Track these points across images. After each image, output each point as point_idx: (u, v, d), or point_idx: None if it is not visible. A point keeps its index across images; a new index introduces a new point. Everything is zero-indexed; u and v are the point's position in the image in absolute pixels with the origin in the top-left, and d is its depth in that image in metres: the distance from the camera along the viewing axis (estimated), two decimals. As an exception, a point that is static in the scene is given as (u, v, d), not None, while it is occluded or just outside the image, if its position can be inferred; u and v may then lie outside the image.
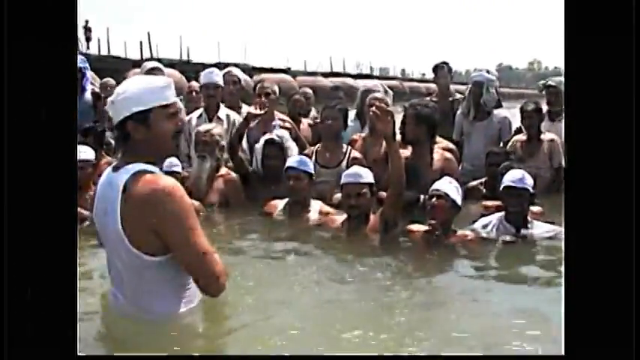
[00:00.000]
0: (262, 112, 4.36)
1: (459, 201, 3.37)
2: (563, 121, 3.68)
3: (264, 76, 19.19)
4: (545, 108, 5.19)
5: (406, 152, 4.30)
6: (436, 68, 6.06)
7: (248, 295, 2.66)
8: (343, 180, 3.58)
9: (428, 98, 6.18)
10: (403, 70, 52.45)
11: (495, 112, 5.30)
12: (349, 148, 4.48)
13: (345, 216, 3.64)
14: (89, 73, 5.48)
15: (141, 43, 27.45)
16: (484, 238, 3.53)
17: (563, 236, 1.89)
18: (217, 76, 4.88)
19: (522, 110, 4.96)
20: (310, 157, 4.27)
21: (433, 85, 7.07)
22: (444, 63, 6.05)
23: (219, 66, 7.36)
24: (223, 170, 4.30)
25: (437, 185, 3.39)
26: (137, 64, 20.23)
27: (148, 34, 28.51)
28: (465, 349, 2.20)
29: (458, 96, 5.92)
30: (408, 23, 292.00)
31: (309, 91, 6.73)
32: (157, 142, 2.00)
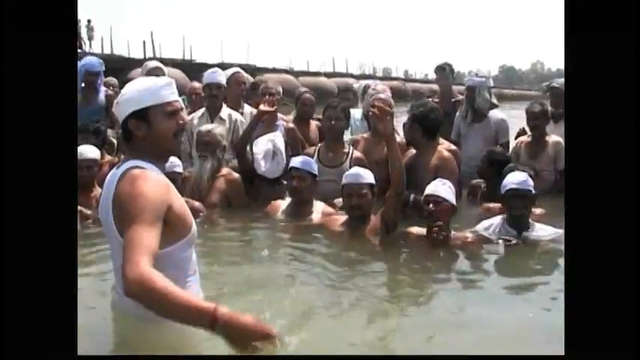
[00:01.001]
0: (273, 109, 4.40)
1: (454, 202, 3.40)
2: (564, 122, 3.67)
3: (266, 76, 19.16)
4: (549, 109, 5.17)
5: (411, 152, 4.31)
6: (438, 69, 6.06)
7: (248, 294, 2.66)
8: (344, 180, 3.59)
9: (430, 99, 6.19)
10: (406, 71, 52.42)
11: (491, 113, 5.29)
12: (352, 148, 4.48)
13: (346, 217, 3.64)
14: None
15: (144, 42, 27.52)
16: (485, 240, 3.52)
17: (564, 234, 1.90)
18: (220, 76, 4.88)
19: (528, 111, 4.94)
20: (312, 156, 4.28)
21: (436, 86, 7.07)
22: (447, 64, 6.04)
23: (222, 66, 7.37)
24: (225, 170, 4.30)
25: (432, 190, 3.38)
26: (140, 63, 20.26)
27: (151, 33, 28.66)
28: (466, 350, 2.20)
29: (460, 97, 5.91)
30: (411, 24, 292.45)
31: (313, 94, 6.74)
32: (158, 141, 2.04)
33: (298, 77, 26.94)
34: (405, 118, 4.58)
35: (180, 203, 2.06)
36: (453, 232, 3.42)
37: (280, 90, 5.07)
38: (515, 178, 3.51)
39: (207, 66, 7.02)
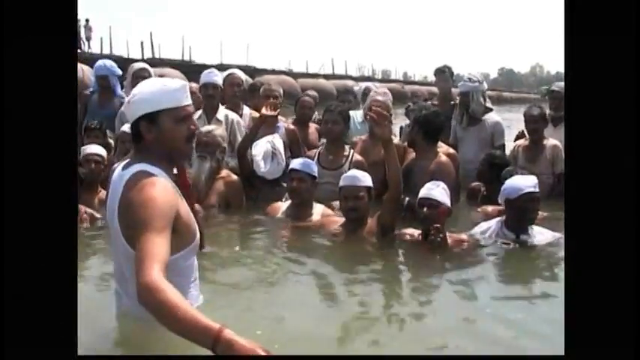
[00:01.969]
0: (275, 113, 4.39)
1: (449, 203, 3.40)
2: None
3: (266, 77, 19.19)
4: (548, 113, 5.18)
5: (411, 156, 4.31)
6: (438, 72, 6.06)
7: (247, 296, 2.66)
8: (341, 183, 3.61)
9: (429, 102, 6.19)
10: (405, 73, 52.45)
11: (487, 116, 5.30)
12: (352, 150, 4.49)
13: (344, 219, 3.64)
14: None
15: (142, 43, 27.48)
16: (482, 243, 3.53)
17: (564, 237, 1.90)
18: (216, 77, 4.90)
19: (527, 115, 4.94)
20: (313, 159, 4.29)
21: (435, 89, 7.06)
22: (446, 67, 6.04)
23: (222, 67, 7.37)
24: (224, 172, 4.30)
25: (426, 193, 3.38)
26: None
27: (151, 33, 28.57)
28: (464, 351, 2.21)
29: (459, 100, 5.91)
30: (411, 26, 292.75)
31: (316, 94, 6.75)
32: (168, 145, 2.01)
33: (297, 79, 26.95)
34: (402, 120, 4.59)
35: (187, 210, 2.04)
36: (449, 235, 3.41)
37: (282, 92, 5.07)
38: (529, 182, 3.50)
39: (206, 67, 7.00)
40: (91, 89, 5.37)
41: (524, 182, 3.50)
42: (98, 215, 3.79)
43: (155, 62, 20.64)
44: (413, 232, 3.49)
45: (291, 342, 2.18)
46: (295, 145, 4.80)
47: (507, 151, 5.11)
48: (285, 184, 4.26)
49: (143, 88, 2.04)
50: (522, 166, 4.65)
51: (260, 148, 4.47)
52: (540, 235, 3.52)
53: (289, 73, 29.24)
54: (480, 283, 3.08)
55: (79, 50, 24.03)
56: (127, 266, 1.99)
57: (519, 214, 3.49)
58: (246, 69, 15.53)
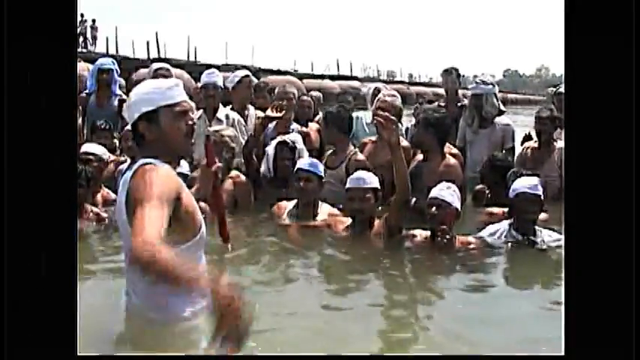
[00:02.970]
0: (280, 114, 4.41)
1: (459, 206, 3.39)
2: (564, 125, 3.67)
3: (270, 77, 19.19)
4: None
5: (418, 157, 4.31)
6: (445, 73, 6.03)
7: (254, 296, 2.65)
8: (348, 184, 3.62)
9: (436, 103, 6.17)
10: (410, 74, 52.33)
11: (497, 119, 5.28)
12: (353, 151, 4.48)
13: (351, 219, 3.64)
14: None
15: (148, 43, 27.56)
16: (490, 245, 3.52)
17: (564, 237, 1.90)
18: (217, 77, 4.96)
19: (537, 117, 4.92)
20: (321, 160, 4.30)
21: (440, 90, 7.06)
22: (454, 68, 6.01)
23: (227, 67, 7.40)
24: (233, 172, 4.30)
25: (437, 193, 3.37)
26: (144, 63, 20.31)
27: (156, 33, 28.59)
28: (468, 351, 2.22)
29: (466, 101, 5.89)
30: (416, 27, 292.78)
31: (319, 94, 6.73)
32: (169, 142, 2.04)
33: (302, 80, 26.97)
34: (407, 121, 4.59)
35: (191, 199, 2.05)
36: (456, 237, 3.41)
37: (296, 93, 5.11)
38: (527, 182, 3.52)
39: (211, 67, 7.04)
40: (87, 91, 5.41)
41: (522, 182, 3.53)
42: (105, 214, 3.80)
43: (161, 62, 20.65)
44: (421, 233, 3.48)
45: (295, 342, 2.18)
46: (311, 149, 4.80)
47: (516, 154, 5.10)
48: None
49: (138, 90, 2.09)
50: (530, 168, 4.63)
51: (303, 147, 4.50)
52: (548, 237, 3.51)
53: (294, 74, 29.27)
54: (486, 284, 3.08)
55: (85, 50, 24.16)
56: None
57: (517, 214, 3.52)
58: (251, 69, 15.56)
